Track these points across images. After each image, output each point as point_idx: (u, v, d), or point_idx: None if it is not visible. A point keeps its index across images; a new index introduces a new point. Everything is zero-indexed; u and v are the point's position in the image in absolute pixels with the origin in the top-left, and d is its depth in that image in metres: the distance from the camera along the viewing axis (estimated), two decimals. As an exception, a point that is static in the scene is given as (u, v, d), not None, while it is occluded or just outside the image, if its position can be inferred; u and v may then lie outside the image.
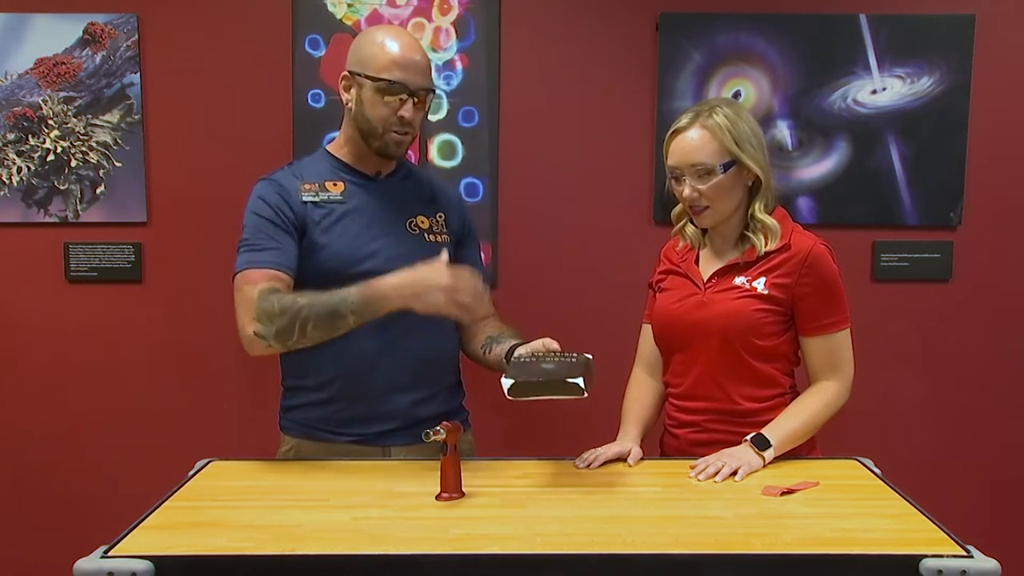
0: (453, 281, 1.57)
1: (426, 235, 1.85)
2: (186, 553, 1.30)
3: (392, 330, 1.76)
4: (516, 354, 1.68)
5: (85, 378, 2.66)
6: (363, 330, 1.72)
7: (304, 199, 1.76)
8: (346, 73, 1.76)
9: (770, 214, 1.77)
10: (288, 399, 1.87)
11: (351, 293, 1.63)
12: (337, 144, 1.84)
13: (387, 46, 1.72)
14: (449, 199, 1.94)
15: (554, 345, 1.68)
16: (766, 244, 1.74)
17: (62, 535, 2.67)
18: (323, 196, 1.78)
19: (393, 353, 1.76)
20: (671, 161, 1.76)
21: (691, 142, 1.73)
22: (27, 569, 2.70)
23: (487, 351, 1.86)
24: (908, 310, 2.65)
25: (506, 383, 1.54)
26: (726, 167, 1.72)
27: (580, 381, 1.51)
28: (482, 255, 2.55)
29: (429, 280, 1.59)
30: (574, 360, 1.60)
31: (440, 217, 1.89)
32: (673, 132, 1.76)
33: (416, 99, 1.74)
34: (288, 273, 1.72)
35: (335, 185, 1.80)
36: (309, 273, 1.75)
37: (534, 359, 1.62)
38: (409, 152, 2.51)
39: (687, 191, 1.74)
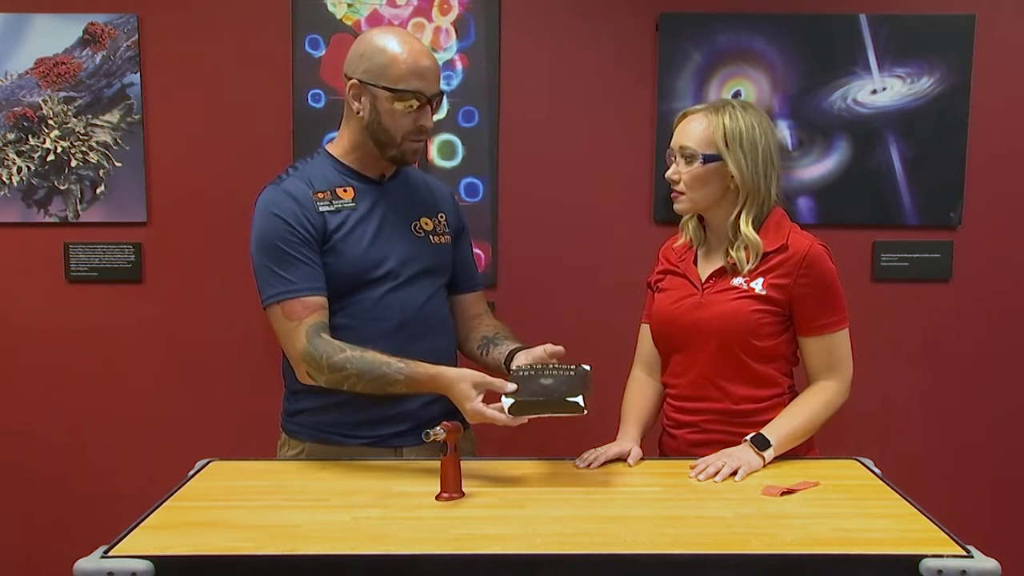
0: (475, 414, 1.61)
1: (431, 237, 1.86)
2: (186, 553, 1.30)
3: (404, 333, 1.78)
4: (515, 366, 1.69)
5: (85, 378, 2.66)
6: (375, 334, 1.74)
7: (320, 209, 1.75)
8: (355, 81, 1.74)
9: (766, 218, 1.77)
10: (294, 403, 1.86)
11: (400, 382, 1.67)
12: (342, 149, 1.82)
13: (400, 54, 1.71)
14: (445, 197, 1.95)
15: (556, 349, 1.70)
16: (748, 262, 1.75)
17: (62, 535, 2.67)
18: (336, 204, 1.77)
19: (407, 353, 1.75)
20: (672, 141, 1.80)
21: (689, 126, 1.77)
22: (27, 569, 2.70)
23: (484, 352, 1.87)
24: (908, 310, 2.65)
25: (506, 403, 1.57)
26: (707, 159, 1.74)
27: (580, 399, 1.54)
28: (479, 254, 2.56)
29: (461, 399, 1.63)
30: (572, 373, 1.62)
31: (441, 217, 1.90)
32: (683, 114, 1.81)
33: (432, 105, 1.75)
34: (323, 293, 1.74)
35: (345, 191, 1.79)
36: (327, 279, 1.75)
37: (533, 373, 1.64)
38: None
39: (670, 170, 1.78)
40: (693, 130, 1.76)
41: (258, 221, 1.75)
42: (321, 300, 1.73)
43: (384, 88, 1.71)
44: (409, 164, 1.82)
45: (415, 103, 1.72)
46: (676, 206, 1.81)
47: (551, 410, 1.56)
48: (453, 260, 1.92)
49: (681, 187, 1.77)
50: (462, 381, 1.62)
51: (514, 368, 1.70)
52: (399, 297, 1.79)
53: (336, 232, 1.75)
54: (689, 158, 1.75)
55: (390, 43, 1.72)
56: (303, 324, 1.70)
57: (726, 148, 1.73)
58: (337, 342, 1.70)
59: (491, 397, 1.61)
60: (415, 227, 1.85)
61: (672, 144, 1.79)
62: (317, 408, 1.82)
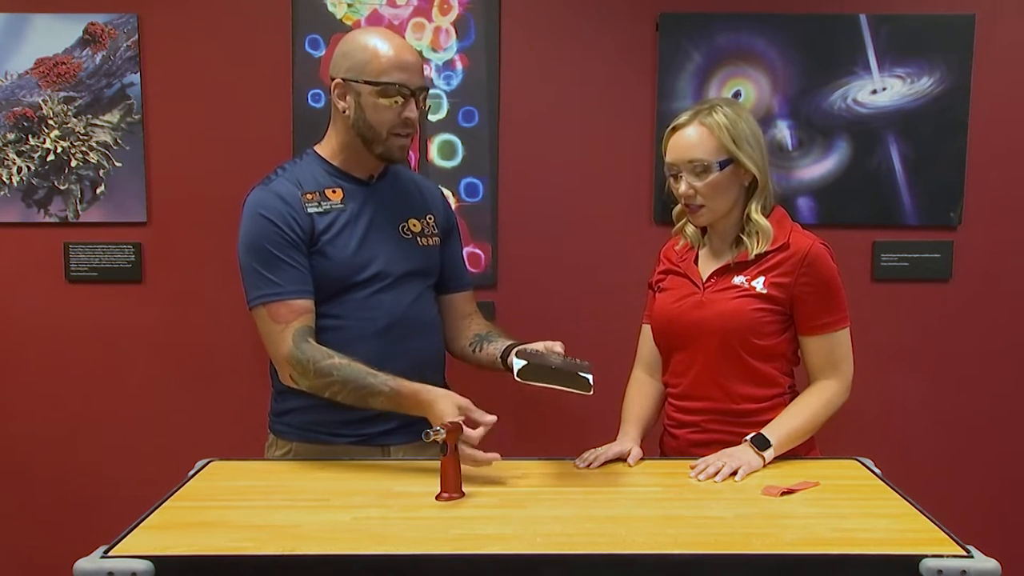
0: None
1: (419, 239, 1.86)
2: (186, 553, 1.30)
3: (392, 334, 1.78)
4: (523, 347, 1.71)
5: (85, 378, 2.66)
6: (363, 335, 1.74)
7: (309, 210, 1.75)
8: (339, 80, 1.74)
9: (768, 215, 1.77)
10: (282, 402, 1.86)
11: (384, 393, 1.66)
12: (330, 150, 1.82)
13: (381, 49, 1.71)
14: (435, 198, 1.95)
15: (558, 347, 1.71)
16: (757, 246, 1.74)
17: (62, 535, 2.67)
18: (325, 205, 1.77)
19: (395, 354, 1.76)
20: (669, 157, 1.77)
21: (689, 139, 1.74)
22: (27, 569, 2.70)
23: (477, 348, 1.88)
24: (908, 310, 2.65)
25: (517, 363, 1.57)
26: (723, 165, 1.72)
27: (590, 377, 1.55)
28: (479, 254, 2.56)
29: (442, 417, 1.60)
30: (579, 361, 1.65)
31: (430, 219, 1.90)
32: (672, 128, 1.77)
33: (417, 99, 1.74)
34: (310, 297, 1.73)
35: (334, 193, 1.79)
36: (315, 281, 1.75)
37: (543, 352, 1.66)
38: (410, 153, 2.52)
39: (683, 187, 1.75)
40: (696, 140, 1.73)
41: (246, 222, 1.75)
42: (308, 304, 1.72)
43: (367, 83, 1.71)
44: (397, 161, 1.81)
45: (399, 97, 1.71)
46: (696, 221, 1.79)
47: (560, 382, 1.56)
48: (442, 260, 1.92)
49: (699, 200, 1.74)
50: (446, 399, 1.62)
51: (521, 348, 1.71)
52: (387, 298, 1.79)
53: (324, 234, 1.75)
54: (702, 170, 1.73)
55: (371, 40, 1.73)
56: (289, 328, 1.69)
57: (736, 148, 1.72)
58: (325, 348, 1.70)
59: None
60: (403, 229, 1.85)
61: (672, 161, 1.76)
62: (304, 407, 1.81)
